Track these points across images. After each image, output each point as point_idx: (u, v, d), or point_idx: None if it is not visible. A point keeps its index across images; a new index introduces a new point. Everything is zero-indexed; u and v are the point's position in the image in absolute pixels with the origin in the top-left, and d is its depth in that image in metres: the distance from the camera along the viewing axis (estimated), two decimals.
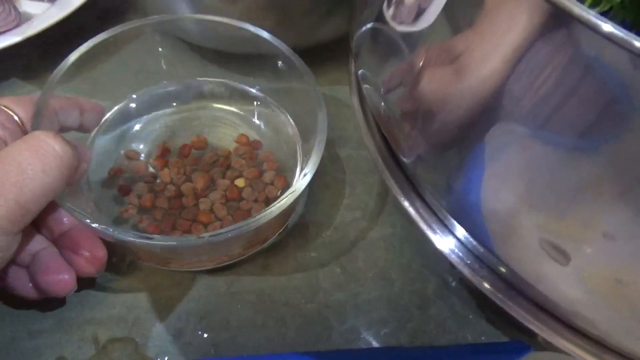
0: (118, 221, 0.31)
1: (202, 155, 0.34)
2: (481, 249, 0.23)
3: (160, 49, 0.36)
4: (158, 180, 0.33)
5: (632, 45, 0.13)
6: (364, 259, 0.32)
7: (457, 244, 0.24)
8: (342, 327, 0.30)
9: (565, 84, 0.16)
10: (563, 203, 0.18)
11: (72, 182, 0.25)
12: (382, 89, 0.24)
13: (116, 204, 0.32)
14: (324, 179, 0.36)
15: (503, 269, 0.22)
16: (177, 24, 0.36)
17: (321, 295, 0.31)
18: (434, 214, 0.25)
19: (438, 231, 0.24)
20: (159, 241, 0.26)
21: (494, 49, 0.17)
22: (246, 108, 0.37)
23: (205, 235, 0.25)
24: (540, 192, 0.18)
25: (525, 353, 0.28)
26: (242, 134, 0.35)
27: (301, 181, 0.27)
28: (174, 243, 0.26)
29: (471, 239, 0.23)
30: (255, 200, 0.32)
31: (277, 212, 0.26)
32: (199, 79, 0.37)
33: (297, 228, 0.33)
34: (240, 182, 0.33)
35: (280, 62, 0.33)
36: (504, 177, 0.19)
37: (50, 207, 0.27)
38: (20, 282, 0.27)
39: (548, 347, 0.28)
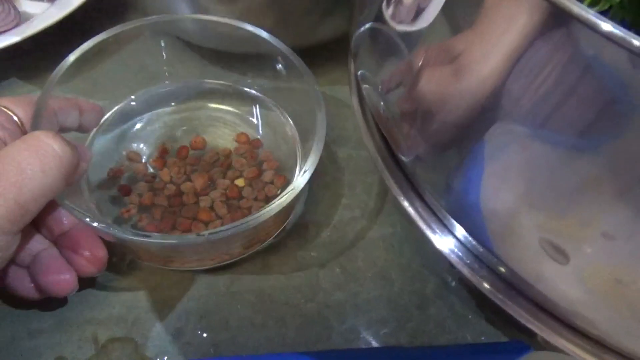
0: (118, 221, 0.31)
1: (202, 155, 0.34)
2: (481, 249, 0.23)
3: (160, 49, 0.36)
4: (157, 180, 0.33)
5: (632, 45, 0.13)
6: (363, 258, 0.32)
7: (457, 243, 0.24)
8: (341, 327, 0.30)
9: (565, 84, 0.16)
10: (563, 202, 0.18)
11: (71, 182, 0.25)
12: (381, 89, 0.24)
13: (116, 204, 0.32)
14: (324, 179, 0.36)
15: (503, 269, 0.22)
16: (177, 24, 0.36)
17: (321, 295, 0.31)
18: (434, 213, 0.25)
19: (437, 231, 0.24)
20: (158, 239, 0.26)
21: (493, 48, 0.17)
22: (245, 108, 0.37)
23: (205, 233, 0.25)
24: (539, 191, 0.18)
25: (525, 353, 0.28)
26: (242, 133, 0.35)
27: (301, 178, 0.27)
28: (174, 241, 0.26)
29: (471, 239, 0.23)
30: (255, 199, 0.32)
31: (277, 209, 0.26)
32: (198, 79, 0.37)
33: (296, 228, 0.33)
34: (240, 182, 0.33)
35: (279, 62, 0.33)
36: (503, 176, 0.19)
37: (50, 207, 0.27)
38: (20, 283, 0.27)
39: (548, 346, 0.28)
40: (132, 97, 0.36)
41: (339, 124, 0.38)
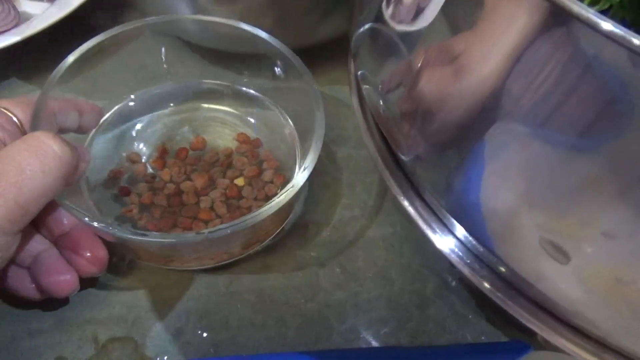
0: (118, 221, 0.31)
1: (202, 155, 0.34)
2: (481, 249, 0.23)
3: (159, 49, 0.36)
4: (157, 180, 0.33)
5: (632, 44, 0.13)
6: (363, 258, 0.32)
7: (457, 243, 0.24)
8: (341, 327, 0.30)
9: (565, 83, 0.16)
10: (563, 202, 0.18)
11: (71, 182, 0.25)
12: (381, 89, 0.24)
13: (116, 205, 0.32)
14: (324, 179, 0.36)
15: (503, 269, 0.22)
16: (177, 24, 0.36)
17: (321, 295, 0.31)
18: (434, 213, 0.25)
19: (438, 230, 0.24)
20: (158, 238, 0.26)
21: (493, 48, 0.17)
22: (245, 108, 0.37)
23: (205, 231, 0.25)
24: (540, 191, 0.18)
25: (525, 352, 0.28)
26: (242, 132, 0.35)
27: (300, 176, 0.28)
28: (173, 240, 0.26)
29: (471, 239, 0.23)
30: (255, 199, 0.32)
31: (277, 207, 0.26)
32: (198, 79, 0.37)
33: (296, 227, 0.33)
34: (239, 181, 0.33)
35: (279, 62, 0.33)
36: (503, 176, 0.19)
37: (50, 208, 0.27)
38: (21, 283, 0.27)
39: (548, 346, 0.28)
40: (132, 97, 0.36)
41: (338, 124, 0.38)
